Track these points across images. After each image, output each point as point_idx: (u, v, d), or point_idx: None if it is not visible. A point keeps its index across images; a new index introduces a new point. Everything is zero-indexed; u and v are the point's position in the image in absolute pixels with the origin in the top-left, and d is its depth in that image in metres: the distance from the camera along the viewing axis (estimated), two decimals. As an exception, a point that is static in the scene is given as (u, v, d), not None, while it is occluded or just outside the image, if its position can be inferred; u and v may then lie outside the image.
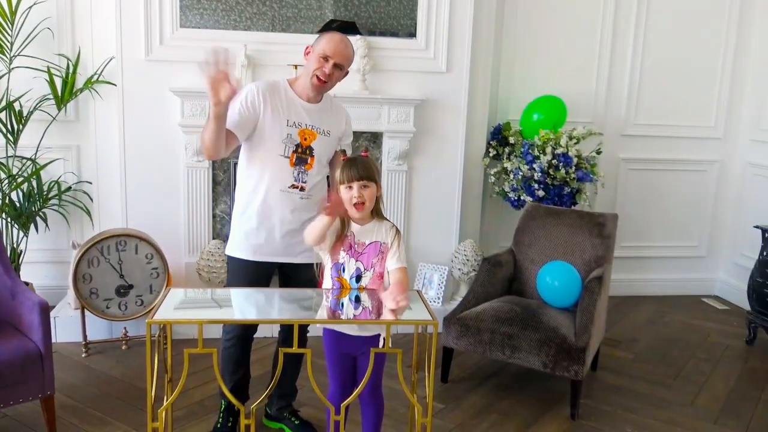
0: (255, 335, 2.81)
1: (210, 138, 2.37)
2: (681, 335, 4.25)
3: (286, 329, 2.76)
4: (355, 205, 2.23)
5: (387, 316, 2.12)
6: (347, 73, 2.62)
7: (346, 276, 2.29)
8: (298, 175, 2.56)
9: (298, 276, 2.69)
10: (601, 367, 3.66)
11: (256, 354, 3.25)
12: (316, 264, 2.73)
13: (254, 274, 2.61)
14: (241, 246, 2.61)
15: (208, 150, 2.42)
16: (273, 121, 2.52)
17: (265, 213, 2.56)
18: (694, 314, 4.65)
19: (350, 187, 2.23)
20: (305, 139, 2.55)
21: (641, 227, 4.93)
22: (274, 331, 3.49)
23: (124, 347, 3.68)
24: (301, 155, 2.56)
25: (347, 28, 3.90)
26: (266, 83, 2.57)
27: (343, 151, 2.38)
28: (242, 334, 2.70)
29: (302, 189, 2.57)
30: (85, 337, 3.59)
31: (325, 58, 2.49)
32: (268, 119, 2.51)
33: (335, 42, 2.51)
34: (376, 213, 2.33)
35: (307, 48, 2.60)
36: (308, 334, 2.47)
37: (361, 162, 2.25)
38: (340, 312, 2.23)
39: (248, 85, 2.56)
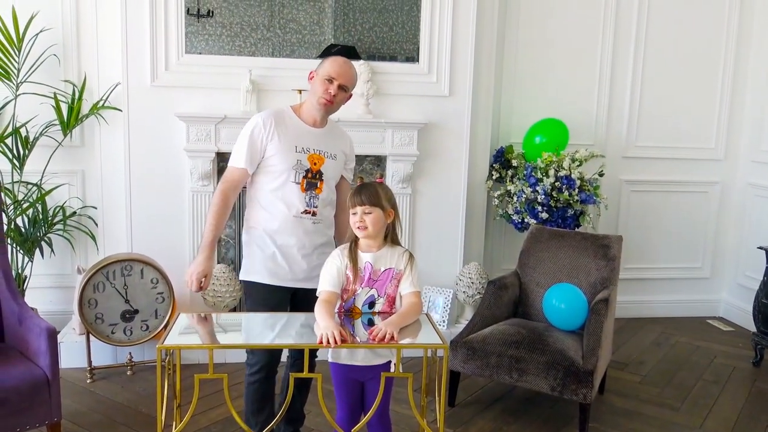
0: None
1: (210, 214, 2.55)
2: (687, 357, 4.23)
3: (296, 354, 2.74)
4: (357, 227, 2.28)
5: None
6: (351, 96, 2.66)
7: (358, 304, 2.29)
8: (310, 200, 2.58)
9: (310, 301, 2.63)
10: (608, 390, 3.64)
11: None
12: None
13: (272, 297, 2.60)
14: (259, 270, 2.60)
15: (212, 204, 2.57)
16: (281, 149, 2.54)
17: (279, 239, 2.57)
18: (700, 336, 4.63)
19: (355, 213, 2.28)
20: (315, 163, 2.58)
21: (644, 249, 4.93)
22: (283, 356, 3.46)
23: (129, 372, 3.66)
24: (311, 180, 2.57)
25: (347, 52, 3.94)
26: (270, 113, 2.60)
27: (360, 178, 2.39)
28: (267, 362, 2.59)
29: (314, 214, 2.59)
30: (90, 362, 3.57)
31: (330, 80, 2.54)
32: (276, 147, 2.54)
33: (339, 64, 2.56)
34: (391, 239, 2.35)
35: (311, 73, 2.64)
36: (316, 359, 2.46)
37: (367, 188, 2.28)
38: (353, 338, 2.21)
39: (254, 118, 2.58)
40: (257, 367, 2.59)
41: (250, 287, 2.64)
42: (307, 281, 2.62)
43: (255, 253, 2.61)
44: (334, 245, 2.72)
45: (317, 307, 2.24)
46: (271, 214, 2.57)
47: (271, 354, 2.59)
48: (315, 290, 2.55)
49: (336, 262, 2.33)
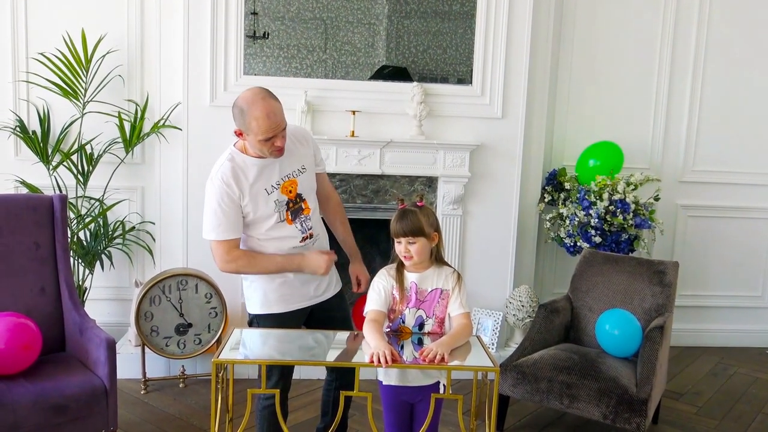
0: (298, 377, 2.75)
1: (262, 272, 2.50)
2: (746, 389, 4.09)
3: (334, 373, 2.74)
4: (404, 257, 2.29)
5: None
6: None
7: (408, 324, 2.30)
8: (302, 226, 2.53)
9: (331, 316, 2.65)
10: (662, 421, 3.54)
11: (299, 400, 3.25)
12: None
13: (286, 324, 2.56)
14: (270, 302, 2.56)
15: (240, 273, 2.54)
16: (256, 202, 2.44)
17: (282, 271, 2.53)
18: (759, 367, 4.47)
19: (399, 242, 2.28)
20: (290, 191, 2.50)
21: (701, 275, 4.80)
22: (321, 374, 3.46)
23: (181, 385, 3.73)
24: (294, 207, 2.51)
25: (399, 74, 4.00)
26: (225, 170, 2.42)
27: (401, 200, 2.36)
28: (283, 385, 2.56)
29: (311, 236, 2.57)
30: (144, 373, 3.66)
31: (269, 140, 2.34)
32: (250, 203, 2.43)
33: (265, 121, 2.31)
34: (436, 259, 2.34)
35: (236, 131, 2.41)
36: (362, 378, 2.46)
37: (409, 218, 2.25)
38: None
39: (213, 183, 2.43)
40: (271, 385, 2.52)
41: (263, 320, 2.57)
42: (319, 296, 2.62)
43: (266, 285, 2.55)
44: (327, 241, 2.72)
45: (366, 326, 2.24)
46: (268, 252, 2.51)
47: (286, 377, 2.57)
48: (333, 300, 2.54)
49: (382, 282, 2.33)
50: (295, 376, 3.66)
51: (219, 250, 2.46)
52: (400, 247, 2.27)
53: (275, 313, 2.57)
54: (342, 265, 2.78)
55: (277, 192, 2.48)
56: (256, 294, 2.58)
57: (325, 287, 2.64)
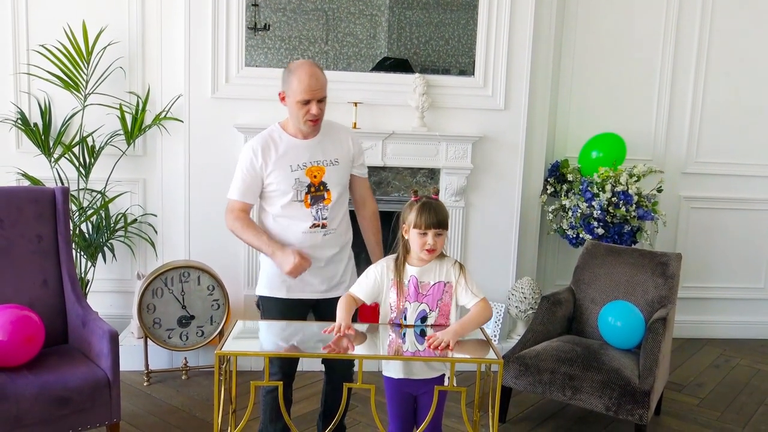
0: (301, 369, 2.78)
1: (245, 242, 2.61)
2: (748, 380, 4.09)
3: (330, 368, 2.75)
4: (426, 250, 2.24)
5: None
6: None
7: (410, 320, 2.29)
8: (317, 213, 2.56)
9: (333, 311, 2.61)
10: (665, 412, 3.54)
11: (301, 392, 3.26)
12: None
13: (289, 311, 2.61)
14: (274, 285, 2.61)
15: (234, 234, 2.60)
16: (278, 174, 2.52)
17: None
18: (761, 358, 4.47)
19: (425, 234, 2.22)
20: (315, 176, 2.55)
21: (704, 267, 4.79)
22: (320, 365, 3.46)
23: (183, 377, 3.74)
24: (316, 193, 2.55)
25: (401, 65, 3.98)
26: (259, 139, 2.56)
27: (415, 191, 2.37)
28: (287, 371, 2.61)
29: (324, 226, 2.57)
30: (147, 365, 3.67)
31: (306, 102, 2.47)
32: (273, 174, 2.52)
33: (306, 83, 2.45)
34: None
35: (280, 93, 2.56)
36: (365, 370, 2.46)
37: (437, 208, 2.23)
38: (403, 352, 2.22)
39: (245, 150, 2.57)
40: (277, 376, 2.55)
41: (267, 302, 2.65)
42: (326, 292, 2.63)
43: (270, 269, 2.60)
44: (350, 249, 2.73)
45: (339, 301, 2.31)
46: (279, 235, 2.57)
47: (290, 363, 2.60)
48: (336, 299, 2.55)
49: (377, 275, 2.32)
50: (299, 367, 3.68)
51: (228, 206, 2.60)
52: (426, 238, 2.22)
53: (276, 297, 2.61)
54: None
55: (301, 172, 2.53)
56: (263, 276, 2.65)
57: (335, 285, 2.64)
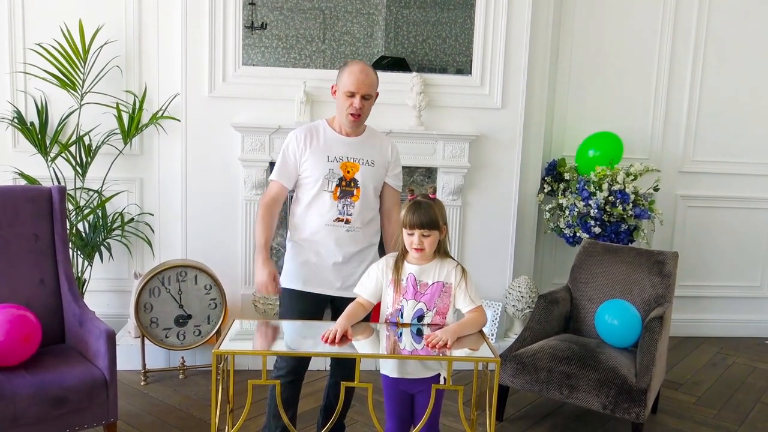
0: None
1: (256, 228, 2.64)
2: (745, 378, 4.10)
3: (336, 363, 2.76)
4: (414, 249, 2.26)
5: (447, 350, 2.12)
6: (378, 94, 2.67)
7: (406, 318, 2.29)
8: (343, 207, 2.59)
9: None
10: (661, 410, 3.55)
11: (303, 389, 3.26)
12: None
13: (305, 304, 2.64)
14: (292, 277, 2.66)
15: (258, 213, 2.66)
16: (314, 161, 2.60)
17: (312, 247, 2.62)
18: (758, 356, 4.48)
19: (411, 233, 2.25)
20: (348, 171, 2.60)
21: (700, 266, 4.80)
22: (327, 364, 3.47)
23: (181, 376, 3.74)
24: (346, 188, 2.60)
25: (398, 64, 3.98)
26: (305, 128, 2.67)
27: (411, 190, 2.38)
28: (295, 367, 2.64)
29: (347, 222, 2.60)
30: (144, 365, 3.66)
31: (351, 95, 2.55)
32: (309, 160, 2.60)
33: (355, 75, 2.56)
34: (439, 251, 2.33)
35: (332, 86, 2.66)
36: (363, 369, 2.46)
37: (425, 211, 2.23)
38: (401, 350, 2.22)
39: (290, 134, 2.67)
40: (285, 371, 2.61)
41: (285, 294, 2.68)
42: (343, 290, 2.63)
43: (291, 260, 2.67)
44: (375, 252, 2.73)
45: (348, 306, 2.34)
46: (305, 223, 2.63)
47: (300, 360, 2.62)
48: (353, 299, 2.56)
49: (377, 273, 2.35)
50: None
51: (268, 187, 2.71)
52: (413, 238, 2.25)
53: (294, 289, 2.64)
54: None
55: (336, 164, 2.60)
56: (286, 266, 2.71)
57: (352, 284, 2.60)
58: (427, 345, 2.11)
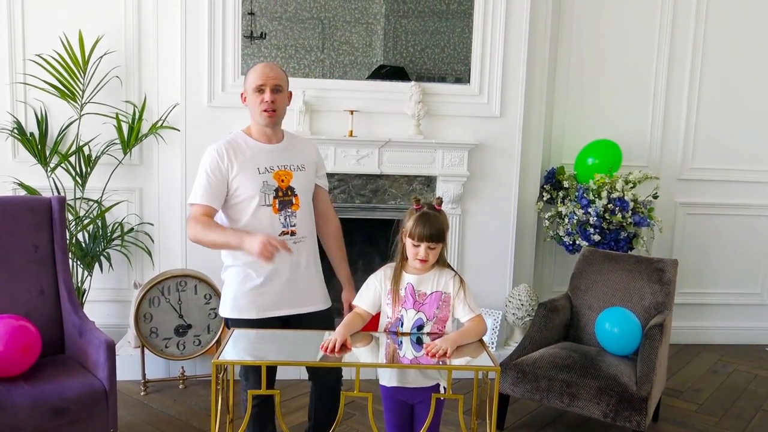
0: (298, 377, 2.71)
1: (210, 244, 2.39)
2: (746, 386, 4.09)
3: (315, 375, 2.66)
4: (418, 260, 2.26)
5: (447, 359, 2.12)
6: (291, 94, 2.56)
7: (406, 328, 2.29)
8: (286, 219, 2.48)
9: (305, 327, 2.50)
10: (663, 418, 3.54)
11: (299, 401, 3.25)
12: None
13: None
14: (240, 305, 2.50)
15: (198, 242, 2.40)
16: (244, 176, 2.44)
17: (261, 269, 2.46)
18: (759, 364, 4.47)
19: (417, 245, 2.24)
20: (282, 180, 2.49)
21: (701, 273, 4.80)
22: (302, 374, 3.42)
23: (181, 386, 3.73)
24: (283, 198, 2.48)
25: (397, 73, 3.99)
26: (223, 143, 2.48)
27: (417, 199, 2.31)
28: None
29: (293, 233, 2.49)
30: (144, 375, 3.66)
31: (260, 89, 2.44)
32: (239, 176, 2.44)
33: (260, 70, 2.46)
34: (437, 261, 2.33)
35: (241, 94, 2.55)
36: (362, 378, 2.45)
37: (434, 221, 2.23)
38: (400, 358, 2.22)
39: (208, 151, 2.47)
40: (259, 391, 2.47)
41: (237, 324, 2.49)
42: (298, 306, 2.53)
43: (237, 289, 2.50)
44: (319, 263, 2.64)
45: (346, 316, 2.33)
46: None
47: (270, 376, 2.46)
48: (310, 314, 2.50)
49: (376, 283, 2.34)
50: (293, 377, 3.68)
51: (190, 213, 2.46)
52: (418, 249, 2.23)
53: (245, 318, 2.49)
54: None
55: (269, 175, 2.47)
56: (227, 296, 2.54)
57: (304, 300, 2.54)
58: (427, 354, 2.11)
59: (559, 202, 4.28)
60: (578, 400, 3.05)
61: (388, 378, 2.31)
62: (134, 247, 4.15)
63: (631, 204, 3.98)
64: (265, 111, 2.45)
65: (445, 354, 2.11)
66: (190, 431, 3.24)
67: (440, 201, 2.34)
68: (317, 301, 2.60)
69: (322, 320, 2.57)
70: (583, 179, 4.25)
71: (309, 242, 2.57)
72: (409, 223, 2.26)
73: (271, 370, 2.49)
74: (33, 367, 2.69)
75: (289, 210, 2.49)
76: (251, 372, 2.46)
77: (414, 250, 2.25)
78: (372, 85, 3.98)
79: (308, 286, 2.57)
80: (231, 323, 2.55)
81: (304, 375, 3.67)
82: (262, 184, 2.46)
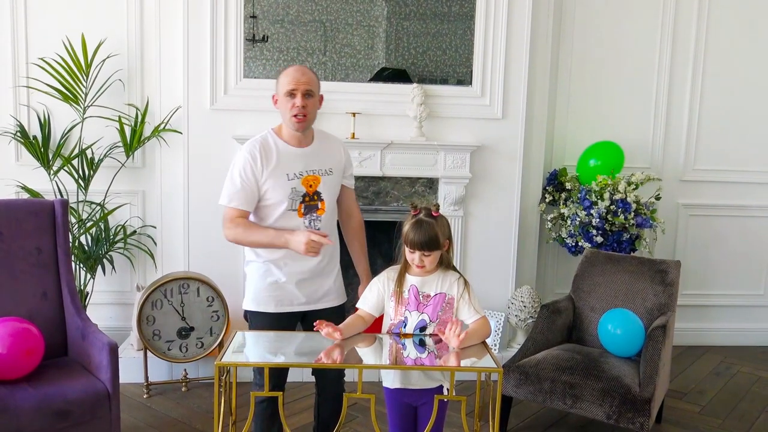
0: (301, 379, 2.74)
1: (253, 245, 2.51)
2: (749, 387, 4.08)
3: (321, 377, 2.71)
4: (416, 265, 2.27)
5: (450, 360, 2.12)
6: (322, 98, 2.57)
7: (409, 329, 2.29)
8: (310, 223, 2.52)
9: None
10: (666, 420, 3.54)
11: (304, 402, 3.25)
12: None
13: (278, 325, 2.56)
14: (260, 299, 2.58)
15: (237, 243, 2.53)
16: (274, 183, 2.48)
17: (283, 266, 2.54)
18: (762, 365, 4.46)
19: (413, 252, 2.25)
20: (310, 186, 2.52)
21: (703, 275, 4.80)
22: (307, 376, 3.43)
23: (183, 389, 3.73)
24: (310, 203, 2.52)
25: (399, 76, 4.00)
26: (256, 144, 2.51)
27: (412, 203, 2.33)
28: (276, 383, 2.53)
29: None
30: (146, 377, 3.66)
31: (292, 94, 2.44)
32: (269, 181, 2.48)
33: (292, 74, 2.46)
34: (442, 263, 2.33)
35: (273, 96, 2.56)
36: (364, 380, 2.45)
37: (426, 229, 2.22)
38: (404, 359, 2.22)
39: (242, 154, 2.50)
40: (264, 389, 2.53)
41: (255, 317, 2.60)
42: (315, 303, 2.60)
43: (259, 283, 2.57)
44: (338, 263, 2.70)
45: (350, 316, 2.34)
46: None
47: (279, 376, 2.54)
48: (325, 310, 2.53)
49: (379, 286, 2.35)
50: (297, 378, 3.68)
51: (226, 216, 2.51)
52: (414, 256, 2.25)
53: (264, 312, 2.57)
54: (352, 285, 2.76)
55: (298, 181, 2.50)
56: (249, 290, 2.62)
57: (322, 295, 2.61)
58: (446, 329, 2.15)
59: (561, 204, 4.28)
60: (581, 401, 3.04)
61: (391, 380, 2.31)
62: (137, 250, 4.16)
63: (634, 205, 3.98)
64: (295, 116, 2.46)
65: (458, 336, 2.13)
66: (192, 434, 3.24)
67: (437, 206, 2.31)
68: (334, 297, 2.66)
69: (337, 315, 2.62)
70: (585, 181, 4.25)
71: (330, 245, 2.59)
72: (404, 230, 2.27)
73: (282, 370, 2.55)
74: (36, 369, 2.69)
75: (314, 214, 2.54)
76: (260, 373, 2.50)
77: (410, 256, 2.27)
78: (374, 88, 3.98)
79: (326, 284, 2.62)
80: (250, 315, 2.63)
81: (307, 377, 3.72)
82: (291, 190, 2.49)
